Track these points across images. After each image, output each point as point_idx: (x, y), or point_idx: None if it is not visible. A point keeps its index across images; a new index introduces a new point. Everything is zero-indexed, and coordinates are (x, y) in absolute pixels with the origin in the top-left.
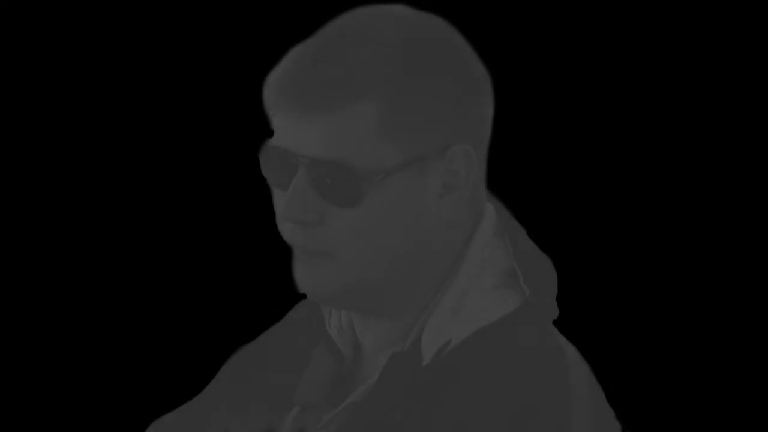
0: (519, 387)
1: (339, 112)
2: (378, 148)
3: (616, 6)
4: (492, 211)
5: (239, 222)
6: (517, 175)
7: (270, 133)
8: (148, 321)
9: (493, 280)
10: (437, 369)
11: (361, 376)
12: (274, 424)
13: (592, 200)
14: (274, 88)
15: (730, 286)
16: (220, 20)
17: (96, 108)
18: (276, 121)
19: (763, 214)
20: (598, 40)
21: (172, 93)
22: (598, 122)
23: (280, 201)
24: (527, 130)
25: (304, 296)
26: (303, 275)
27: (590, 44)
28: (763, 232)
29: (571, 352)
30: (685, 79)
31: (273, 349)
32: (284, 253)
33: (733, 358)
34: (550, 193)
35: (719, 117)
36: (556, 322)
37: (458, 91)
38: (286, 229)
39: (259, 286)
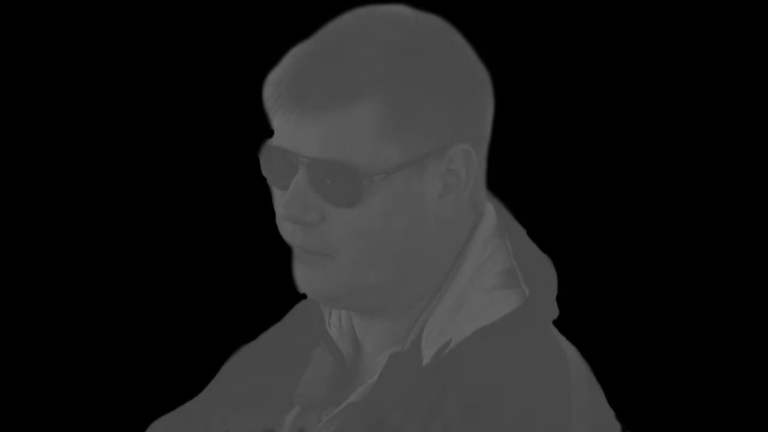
0: (519, 387)
1: (339, 112)
2: (378, 148)
3: (616, 6)
4: (492, 211)
5: (239, 222)
6: (517, 175)
7: (270, 132)
8: (148, 321)
9: (493, 280)
10: (437, 369)
11: (361, 376)
12: (274, 424)
13: (592, 200)
14: (275, 87)
15: (731, 286)
16: (220, 20)
17: (96, 108)
18: (276, 120)
19: (763, 214)
20: (598, 41)
21: (172, 93)
22: (598, 122)
23: (280, 201)
24: (527, 130)
25: (304, 296)
26: (303, 275)
27: (590, 44)
28: (763, 232)
29: (571, 352)
30: (685, 79)
31: (273, 349)
32: (284, 253)
33: (733, 358)
34: (550, 193)
35: (719, 117)
36: (556, 322)
37: (458, 91)
38: (286, 229)
39: (259, 286)
